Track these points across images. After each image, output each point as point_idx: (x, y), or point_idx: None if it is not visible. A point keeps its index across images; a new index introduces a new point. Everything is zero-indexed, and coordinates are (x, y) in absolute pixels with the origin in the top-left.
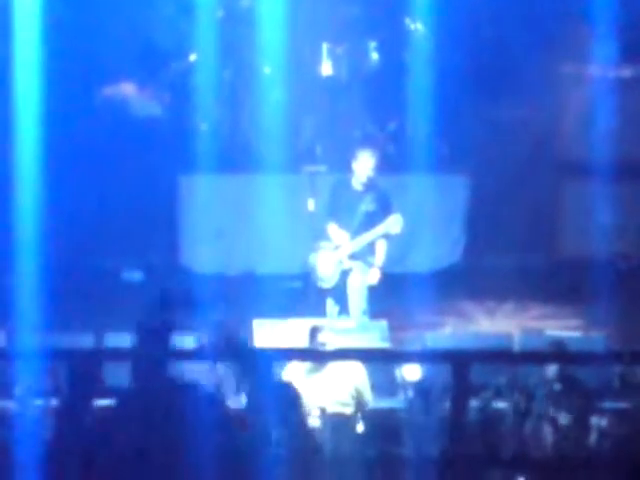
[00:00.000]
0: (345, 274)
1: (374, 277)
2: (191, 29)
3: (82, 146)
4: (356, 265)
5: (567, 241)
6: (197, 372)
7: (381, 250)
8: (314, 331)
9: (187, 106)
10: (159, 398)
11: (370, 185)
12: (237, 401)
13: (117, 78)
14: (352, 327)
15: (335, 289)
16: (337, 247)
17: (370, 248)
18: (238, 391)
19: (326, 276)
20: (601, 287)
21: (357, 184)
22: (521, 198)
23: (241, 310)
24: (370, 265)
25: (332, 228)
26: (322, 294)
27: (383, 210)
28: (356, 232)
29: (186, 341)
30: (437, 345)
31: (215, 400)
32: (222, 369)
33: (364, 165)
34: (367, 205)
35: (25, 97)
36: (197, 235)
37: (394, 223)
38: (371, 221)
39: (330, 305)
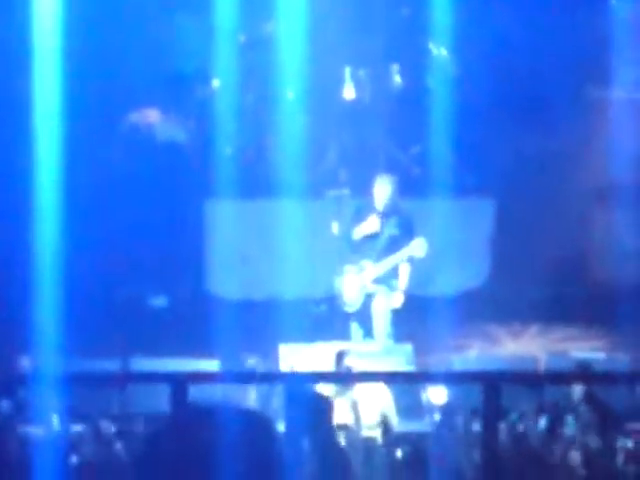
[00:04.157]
0: (369, 298)
1: (398, 301)
2: (214, 54)
3: (106, 173)
4: (380, 289)
5: (592, 263)
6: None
7: (405, 274)
8: (340, 355)
9: (210, 132)
10: (194, 423)
11: (392, 209)
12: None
13: (140, 104)
14: (377, 351)
15: (360, 313)
16: (361, 271)
17: (394, 272)
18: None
19: (351, 300)
20: (626, 308)
21: (379, 208)
22: (547, 222)
23: (266, 335)
24: (394, 289)
25: (355, 252)
26: (347, 318)
27: (406, 234)
28: (380, 256)
29: (211, 365)
30: (463, 368)
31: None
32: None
33: (383, 190)
34: (390, 229)
35: (47, 125)
36: (222, 261)
37: (418, 247)
38: (395, 245)
39: (355, 329)
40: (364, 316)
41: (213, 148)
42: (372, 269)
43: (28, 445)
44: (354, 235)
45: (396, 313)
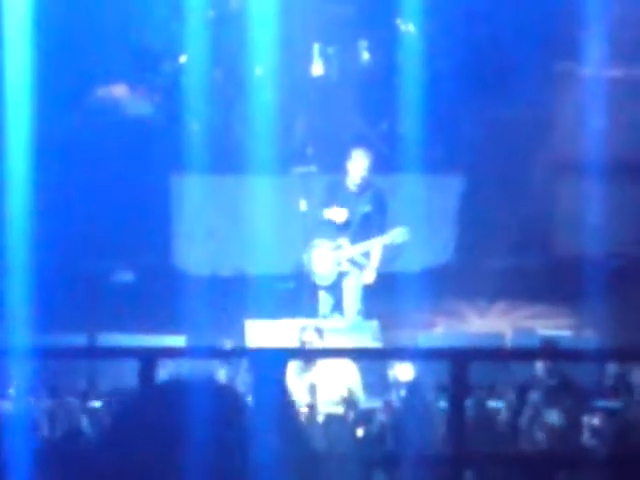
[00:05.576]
0: (342, 275)
1: (369, 277)
2: (182, 30)
3: (73, 147)
4: (353, 267)
5: (559, 240)
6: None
7: (377, 252)
8: (303, 331)
9: (178, 107)
10: (161, 397)
11: (365, 185)
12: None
13: (108, 79)
14: (343, 327)
15: (330, 289)
16: (338, 249)
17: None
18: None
19: (323, 274)
20: (592, 286)
21: (351, 184)
22: (513, 197)
23: (233, 311)
24: (366, 266)
25: (326, 228)
26: (315, 294)
27: (379, 211)
28: (354, 233)
29: (177, 341)
30: (429, 345)
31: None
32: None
33: (358, 165)
34: (363, 206)
35: (15, 98)
36: (188, 236)
37: (399, 235)
38: (368, 222)
39: (324, 305)
40: (334, 293)
41: (180, 123)
42: (349, 248)
43: None
44: (326, 212)
45: (365, 290)
